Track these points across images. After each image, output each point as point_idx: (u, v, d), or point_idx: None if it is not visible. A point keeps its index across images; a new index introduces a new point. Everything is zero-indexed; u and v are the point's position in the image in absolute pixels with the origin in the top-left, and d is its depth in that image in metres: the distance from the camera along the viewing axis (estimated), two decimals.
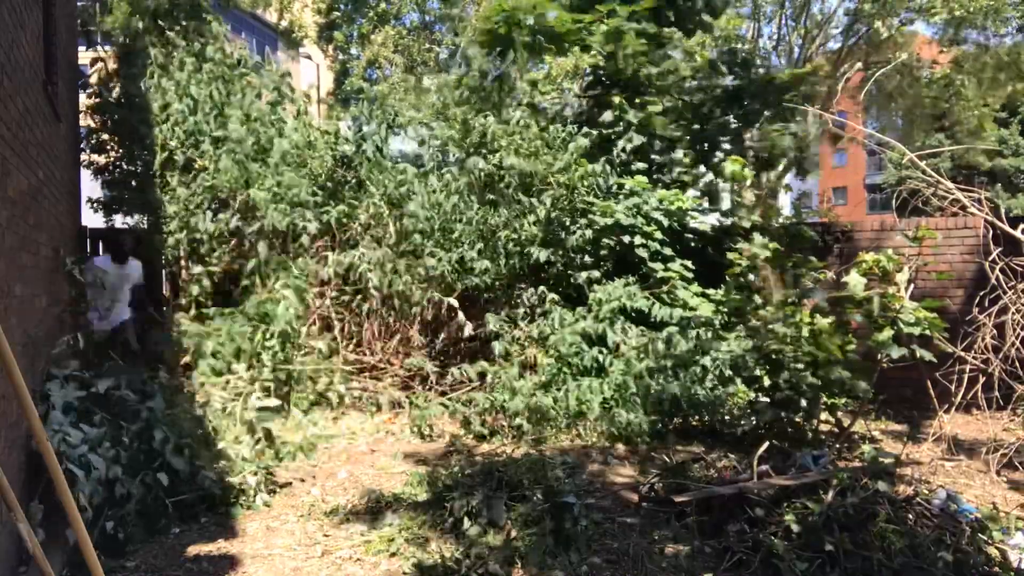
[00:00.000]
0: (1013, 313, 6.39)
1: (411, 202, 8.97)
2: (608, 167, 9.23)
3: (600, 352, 7.97)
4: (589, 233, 8.67)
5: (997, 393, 6.53)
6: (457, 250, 8.65)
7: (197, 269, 8.88)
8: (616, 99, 9.58)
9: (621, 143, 9.43)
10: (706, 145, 10.02)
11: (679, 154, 9.56)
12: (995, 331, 6.48)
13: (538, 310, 8.68)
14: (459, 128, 9.43)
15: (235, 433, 6.01)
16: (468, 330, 8.56)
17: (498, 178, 9.07)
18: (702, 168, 9.49)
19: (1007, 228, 6.56)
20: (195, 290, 8.83)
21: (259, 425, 5.89)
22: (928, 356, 6.40)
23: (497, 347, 8.37)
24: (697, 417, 7.58)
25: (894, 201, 7.63)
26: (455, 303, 8.63)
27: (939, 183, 6.89)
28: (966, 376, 6.50)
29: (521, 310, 8.74)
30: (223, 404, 6.60)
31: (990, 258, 6.63)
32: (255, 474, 5.43)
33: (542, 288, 8.74)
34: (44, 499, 4.24)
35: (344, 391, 8.18)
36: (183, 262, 9.21)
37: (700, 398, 7.32)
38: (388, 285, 8.55)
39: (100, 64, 9.09)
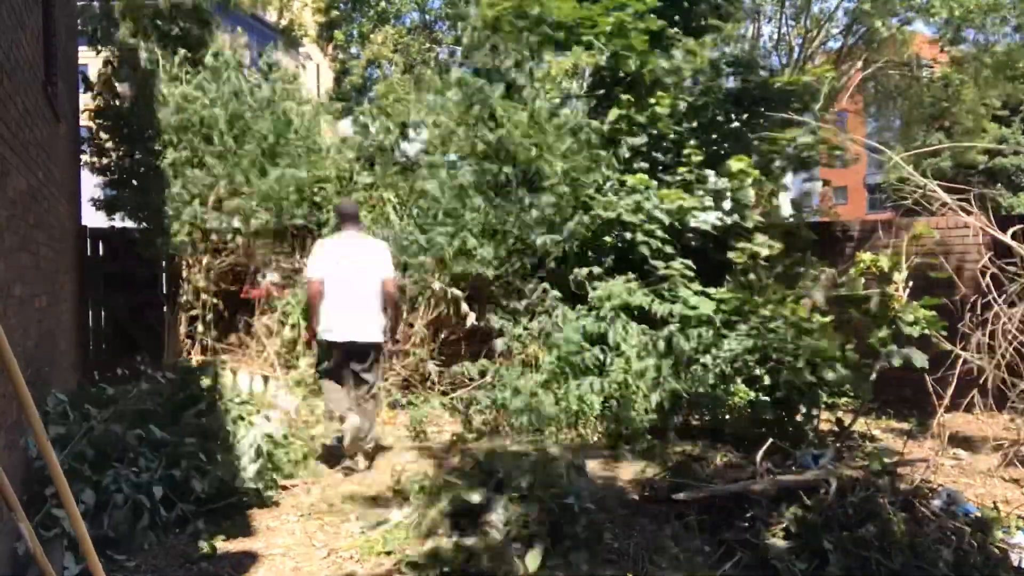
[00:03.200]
0: (1005, 322, 6.38)
1: (417, 197, 8.98)
2: (614, 160, 9.16)
3: (601, 350, 7.98)
4: (588, 219, 8.59)
5: (991, 397, 6.53)
6: (460, 235, 8.59)
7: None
8: (622, 96, 9.52)
9: (627, 140, 9.35)
10: (709, 149, 9.95)
11: (683, 154, 9.51)
12: (990, 333, 6.47)
13: (538, 308, 8.63)
14: (463, 104, 9.32)
15: (241, 443, 5.97)
16: (471, 320, 8.54)
17: (501, 153, 8.94)
18: (707, 169, 9.41)
19: (996, 233, 6.56)
20: (200, 284, 8.87)
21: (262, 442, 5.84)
22: (922, 362, 6.37)
23: (499, 344, 8.34)
24: (698, 416, 7.58)
25: (887, 203, 7.65)
26: (459, 293, 8.59)
27: (926, 186, 6.89)
28: (965, 376, 6.51)
29: (524, 303, 8.67)
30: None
31: (981, 263, 6.63)
32: (258, 484, 5.42)
33: (544, 285, 8.70)
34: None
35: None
36: (185, 261, 9.23)
37: (701, 396, 7.32)
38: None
39: (101, 65, 9.11)
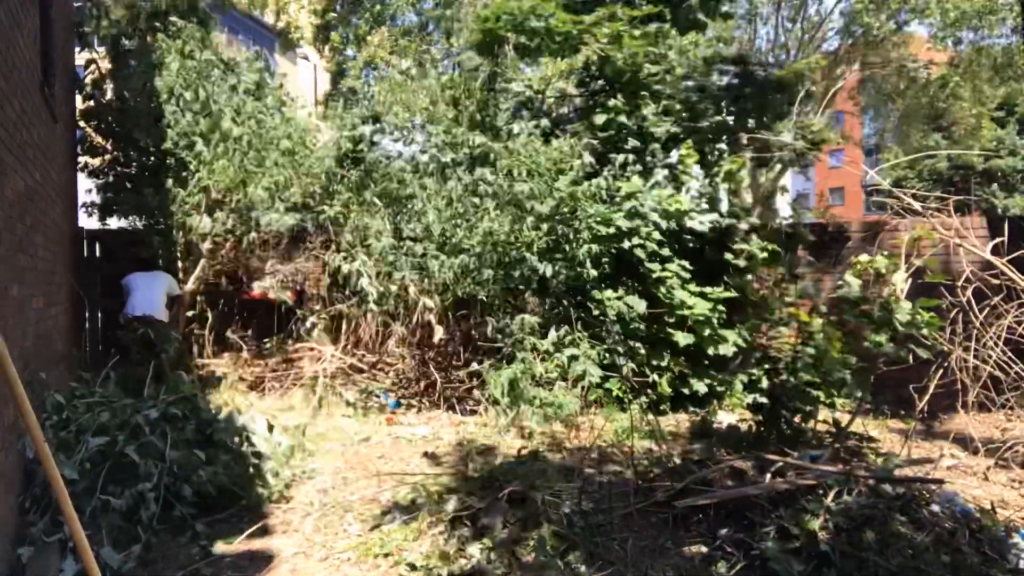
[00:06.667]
0: (990, 336, 6.44)
1: (406, 207, 8.96)
2: (611, 178, 9.10)
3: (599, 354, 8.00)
4: (595, 248, 8.54)
5: (987, 398, 6.56)
6: (459, 257, 8.52)
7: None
8: (612, 102, 9.53)
9: (621, 157, 9.32)
10: (702, 146, 9.97)
11: (677, 154, 9.51)
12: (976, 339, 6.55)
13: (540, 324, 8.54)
14: (456, 139, 9.32)
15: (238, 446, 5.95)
16: (439, 334, 8.51)
17: (509, 198, 8.89)
18: (699, 169, 9.42)
19: (976, 250, 6.63)
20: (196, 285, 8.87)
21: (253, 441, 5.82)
22: (925, 354, 6.41)
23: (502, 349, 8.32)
24: (696, 417, 7.58)
25: (879, 207, 7.72)
26: (431, 303, 8.53)
27: (908, 203, 6.96)
28: (960, 378, 6.54)
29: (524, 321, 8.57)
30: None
31: (963, 277, 6.69)
32: (256, 485, 5.40)
33: (523, 316, 8.60)
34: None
35: (352, 398, 8.22)
36: (179, 263, 9.21)
37: (699, 397, 7.33)
38: (385, 293, 8.55)
39: (94, 66, 9.08)
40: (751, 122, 10.23)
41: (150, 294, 8.07)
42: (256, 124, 9.30)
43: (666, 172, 9.36)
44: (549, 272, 8.40)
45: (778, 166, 10.47)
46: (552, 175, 8.76)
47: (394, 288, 8.54)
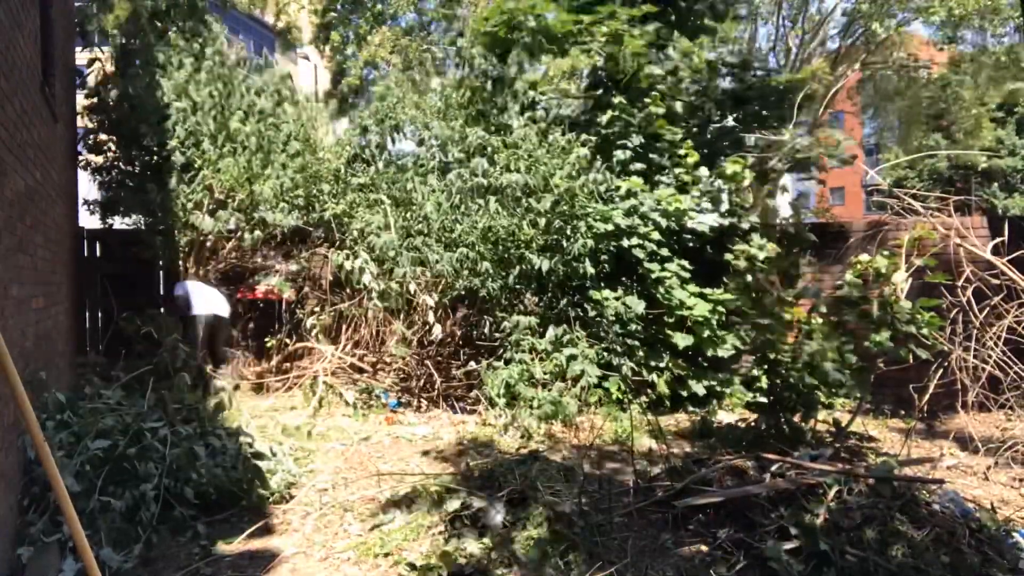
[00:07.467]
0: (990, 336, 6.45)
1: (414, 203, 8.96)
2: (608, 173, 9.12)
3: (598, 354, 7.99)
4: (591, 243, 8.56)
5: (987, 398, 6.57)
6: (458, 250, 8.54)
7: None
8: (616, 99, 9.53)
9: (619, 154, 9.32)
10: (706, 149, 9.97)
11: (679, 155, 9.51)
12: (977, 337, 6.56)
13: (536, 324, 8.54)
14: (457, 134, 9.35)
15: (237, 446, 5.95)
16: (437, 332, 8.50)
17: (499, 187, 8.92)
18: (703, 170, 9.41)
19: (976, 250, 6.63)
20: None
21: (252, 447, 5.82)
22: (925, 354, 6.41)
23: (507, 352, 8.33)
24: (696, 417, 7.58)
25: (870, 206, 7.77)
26: (431, 300, 8.54)
27: (908, 203, 6.98)
28: (960, 378, 6.54)
29: (524, 320, 8.56)
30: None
31: (963, 276, 6.69)
32: (256, 486, 5.41)
33: (529, 320, 8.52)
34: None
35: (352, 398, 8.22)
36: (182, 262, 9.22)
37: (699, 398, 7.33)
38: (387, 290, 8.55)
39: (97, 64, 9.09)
40: (755, 125, 10.22)
41: (215, 297, 8.87)
42: (265, 125, 9.33)
43: (671, 175, 9.35)
44: (546, 267, 8.40)
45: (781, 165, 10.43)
46: (550, 170, 8.76)
47: (395, 285, 8.53)
